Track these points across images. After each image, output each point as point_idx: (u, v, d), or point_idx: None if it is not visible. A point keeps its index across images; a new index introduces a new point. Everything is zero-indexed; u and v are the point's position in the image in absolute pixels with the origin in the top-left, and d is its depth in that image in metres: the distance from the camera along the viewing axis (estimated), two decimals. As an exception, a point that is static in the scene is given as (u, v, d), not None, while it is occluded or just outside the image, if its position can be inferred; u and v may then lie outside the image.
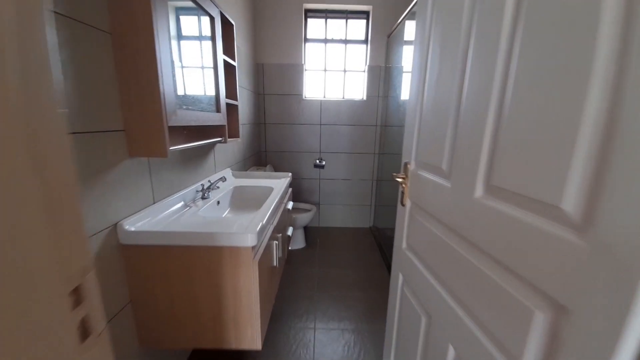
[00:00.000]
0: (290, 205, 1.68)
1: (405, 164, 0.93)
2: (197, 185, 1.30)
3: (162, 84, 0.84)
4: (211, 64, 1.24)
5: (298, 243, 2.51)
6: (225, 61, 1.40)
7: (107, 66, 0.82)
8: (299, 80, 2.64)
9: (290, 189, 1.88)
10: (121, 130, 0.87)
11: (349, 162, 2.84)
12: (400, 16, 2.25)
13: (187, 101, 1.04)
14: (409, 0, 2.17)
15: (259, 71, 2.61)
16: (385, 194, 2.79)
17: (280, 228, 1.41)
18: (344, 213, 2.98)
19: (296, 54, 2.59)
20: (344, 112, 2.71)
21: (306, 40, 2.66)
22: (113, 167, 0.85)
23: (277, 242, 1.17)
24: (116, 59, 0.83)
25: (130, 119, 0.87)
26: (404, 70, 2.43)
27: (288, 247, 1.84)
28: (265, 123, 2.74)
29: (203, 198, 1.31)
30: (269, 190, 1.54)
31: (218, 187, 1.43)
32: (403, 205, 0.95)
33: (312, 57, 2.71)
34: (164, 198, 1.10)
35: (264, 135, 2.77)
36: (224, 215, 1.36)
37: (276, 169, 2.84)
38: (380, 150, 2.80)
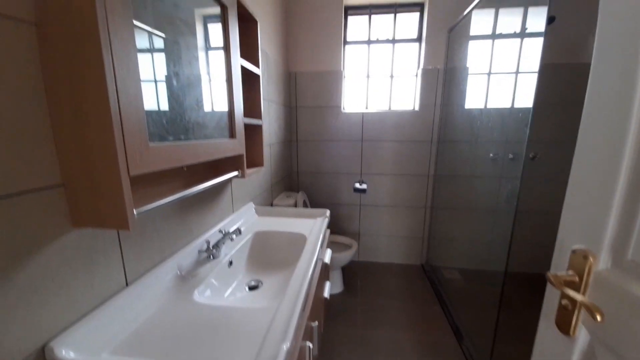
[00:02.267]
0: (328, 256, 1.24)
1: (582, 255, 0.45)
2: (201, 243, 0.92)
3: (116, 97, 0.46)
4: (223, 73, 0.87)
5: (335, 287, 2.05)
6: (244, 69, 1.03)
7: (29, 75, 0.47)
8: (337, 90, 2.23)
9: (327, 231, 1.45)
10: (57, 185, 0.51)
11: (396, 186, 2.34)
12: (466, 3, 1.76)
13: (177, 128, 0.67)
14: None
15: (290, 81, 2.25)
16: (441, 224, 2.24)
17: (317, 301, 0.98)
18: (390, 246, 2.47)
19: (334, 60, 2.19)
20: (391, 125, 2.24)
21: (346, 42, 2.26)
22: (37, 252, 0.49)
23: (311, 345, 0.74)
24: (44, 64, 0.48)
25: (70, 165, 0.51)
26: (469, 72, 1.93)
27: (325, 309, 1.40)
28: (298, 140, 2.36)
29: (210, 258, 0.93)
30: (301, 239, 1.13)
31: (232, 240, 1.05)
32: (567, 334, 0.47)
33: (353, 62, 2.30)
34: (145, 273, 0.73)
35: (295, 154, 2.39)
36: (229, 292, 0.91)
37: (310, 195, 2.44)
38: (435, 172, 2.28)
